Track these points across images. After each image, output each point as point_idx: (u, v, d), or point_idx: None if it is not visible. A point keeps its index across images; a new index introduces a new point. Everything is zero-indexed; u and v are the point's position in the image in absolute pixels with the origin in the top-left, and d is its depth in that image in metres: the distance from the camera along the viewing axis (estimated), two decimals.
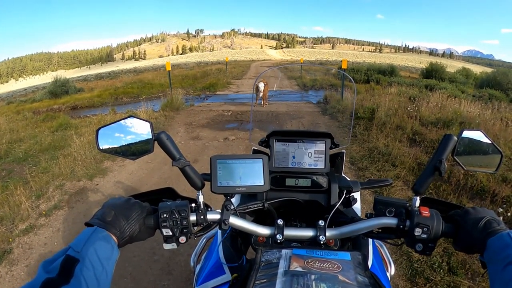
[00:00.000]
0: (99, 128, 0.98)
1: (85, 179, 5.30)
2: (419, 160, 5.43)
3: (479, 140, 0.99)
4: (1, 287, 3.07)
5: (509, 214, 3.78)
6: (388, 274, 1.32)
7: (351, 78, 1.80)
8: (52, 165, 5.83)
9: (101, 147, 0.97)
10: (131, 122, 0.97)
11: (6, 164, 6.41)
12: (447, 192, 4.39)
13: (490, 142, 0.99)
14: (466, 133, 0.97)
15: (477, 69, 37.59)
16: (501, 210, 3.88)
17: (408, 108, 8.54)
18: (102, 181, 5.28)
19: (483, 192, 4.35)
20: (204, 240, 1.54)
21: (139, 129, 0.96)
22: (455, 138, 0.94)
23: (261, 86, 10.47)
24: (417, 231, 0.88)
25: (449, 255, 3.18)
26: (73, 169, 5.64)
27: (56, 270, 0.67)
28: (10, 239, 3.74)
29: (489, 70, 25.82)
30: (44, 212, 4.29)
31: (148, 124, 0.96)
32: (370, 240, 1.27)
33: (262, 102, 10.95)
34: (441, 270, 3.01)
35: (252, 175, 0.98)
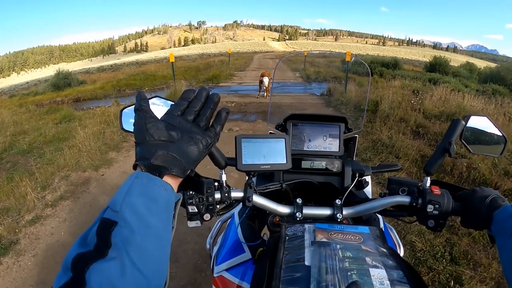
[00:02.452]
0: (123, 109, 1.01)
1: (90, 170, 5.32)
2: (422, 152, 5.46)
3: (485, 126, 1.04)
4: (8, 278, 3.09)
5: None
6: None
7: (367, 65, 1.83)
8: (57, 156, 5.84)
9: (124, 127, 1.00)
10: (157, 101, 0.97)
11: (11, 156, 6.43)
12: None
13: (496, 127, 1.04)
14: (473, 118, 1.02)
15: (481, 64, 37.44)
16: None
17: (412, 101, 8.52)
18: (108, 171, 5.30)
19: (486, 185, 4.34)
20: (220, 223, 1.57)
21: (163, 110, 0.96)
22: (463, 122, 0.98)
23: (266, 80, 10.47)
24: (429, 208, 0.92)
25: (452, 245, 3.22)
26: (78, 160, 5.66)
27: (93, 241, 0.51)
28: (17, 230, 3.76)
29: (493, 65, 25.75)
30: (50, 203, 4.31)
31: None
32: (381, 222, 1.31)
33: (265, 94, 10.95)
34: (444, 260, 3.04)
35: (275, 154, 1.00)
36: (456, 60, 38.65)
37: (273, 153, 1.00)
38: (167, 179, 0.65)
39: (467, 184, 4.41)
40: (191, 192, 0.91)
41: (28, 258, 3.33)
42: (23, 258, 3.34)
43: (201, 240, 1.45)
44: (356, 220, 1.20)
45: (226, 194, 0.97)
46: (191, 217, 0.94)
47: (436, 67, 19.74)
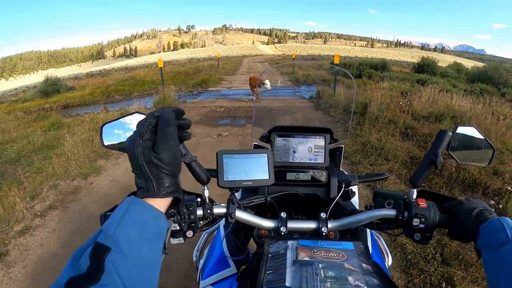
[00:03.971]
0: (104, 124, 0.99)
1: (79, 178, 5.27)
2: (412, 154, 5.48)
3: (473, 136, 1.05)
4: None
5: (500, 206, 3.82)
6: (386, 264, 1.36)
7: (348, 72, 1.83)
8: (46, 165, 5.77)
9: (105, 143, 0.99)
10: (137, 118, 0.96)
11: None
12: (440, 185, 4.44)
13: (483, 137, 1.05)
14: (461, 129, 1.03)
15: (468, 63, 37.77)
16: (493, 202, 3.92)
17: (400, 103, 8.59)
18: (97, 179, 5.25)
19: (475, 185, 4.41)
20: (206, 235, 1.56)
21: None
22: (450, 133, 0.98)
23: (268, 83, 10.47)
24: (415, 221, 0.92)
25: (443, 246, 3.23)
26: (66, 168, 5.60)
27: (86, 264, 0.52)
28: (6, 241, 3.72)
29: (480, 64, 26.02)
30: (39, 213, 4.26)
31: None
32: (368, 232, 1.31)
33: (256, 98, 10.94)
34: (435, 261, 3.06)
35: (257, 169, 1.00)
36: (444, 61, 38.94)
37: (255, 168, 1.00)
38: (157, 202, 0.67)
39: (457, 185, 4.43)
40: (172, 210, 0.90)
41: (18, 270, 3.29)
42: (13, 270, 3.30)
43: (191, 249, 1.43)
44: (344, 231, 1.20)
45: (208, 211, 0.96)
46: (174, 234, 0.93)
47: (424, 68, 19.89)
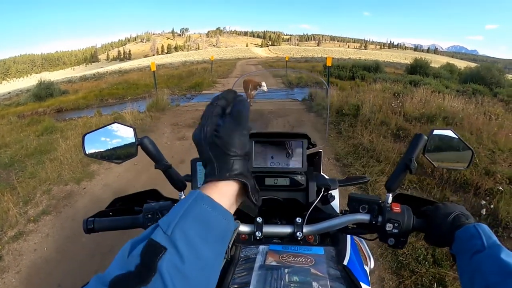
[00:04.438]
0: (85, 134, 1.01)
1: (72, 183, 5.25)
2: (403, 155, 5.44)
3: (450, 138, 1.04)
4: None
5: (492, 206, 3.84)
6: (367, 268, 1.37)
7: (324, 81, 1.84)
8: (39, 169, 5.77)
9: (87, 152, 1.01)
10: (116, 127, 1.01)
11: None
12: (431, 186, 4.46)
13: (460, 140, 1.03)
14: (437, 132, 1.01)
15: (461, 64, 37.91)
16: (484, 202, 3.94)
17: (393, 104, 8.64)
18: (90, 184, 5.24)
19: (467, 185, 4.43)
20: None
21: (123, 134, 1.00)
22: (425, 137, 0.98)
23: (265, 85, 10.49)
24: (388, 226, 0.93)
25: (434, 247, 3.23)
26: (60, 173, 5.60)
27: (135, 262, 0.47)
28: (0, 247, 3.72)
29: (473, 65, 26.08)
30: (32, 218, 4.25)
31: (131, 130, 1.00)
32: (348, 236, 1.31)
33: (249, 101, 10.92)
34: (426, 262, 3.07)
35: None
36: (437, 61, 39.11)
37: None
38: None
39: (449, 185, 4.46)
40: (149, 216, 0.91)
41: (12, 275, 3.29)
42: (7, 275, 3.30)
43: None
44: (324, 235, 1.20)
45: None
46: None
47: (417, 69, 19.94)
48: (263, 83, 10.26)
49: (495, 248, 0.70)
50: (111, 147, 1.01)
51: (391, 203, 0.98)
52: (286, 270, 0.74)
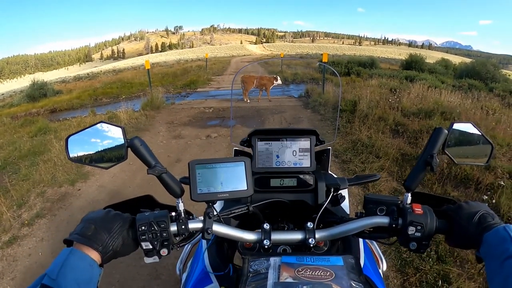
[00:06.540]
0: (69, 136, 0.90)
1: (66, 185, 5.15)
2: (403, 150, 5.46)
3: (470, 133, 0.95)
4: None
5: (494, 201, 3.81)
6: (380, 271, 1.29)
7: (334, 70, 1.76)
8: (33, 171, 5.66)
9: (71, 156, 0.90)
10: (102, 127, 0.90)
11: None
12: (432, 182, 4.42)
13: (481, 134, 0.95)
14: (457, 126, 0.93)
15: (456, 59, 38.13)
16: (486, 197, 3.92)
17: (390, 100, 8.62)
18: (84, 185, 5.14)
19: (467, 180, 4.40)
20: (189, 247, 1.49)
21: (111, 135, 0.89)
22: (446, 131, 0.89)
23: (279, 78, 10.56)
24: (411, 230, 0.84)
25: (437, 243, 3.19)
26: (54, 175, 5.49)
27: None
28: None
29: (467, 60, 26.21)
30: (26, 222, 4.15)
31: (120, 130, 0.88)
32: (360, 239, 1.22)
33: (245, 98, 10.92)
34: (430, 259, 3.02)
35: (234, 179, 0.92)
36: (432, 57, 39.24)
37: (231, 178, 0.92)
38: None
39: (449, 181, 4.42)
40: (143, 228, 0.82)
41: (7, 282, 3.20)
42: (1, 282, 3.21)
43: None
44: (334, 240, 1.12)
45: (183, 226, 0.88)
46: (147, 253, 0.86)
47: (412, 65, 20.03)
48: (278, 77, 10.38)
49: None
50: (98, 150, 0.90)
51: (411, 204, 0.89)
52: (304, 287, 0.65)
